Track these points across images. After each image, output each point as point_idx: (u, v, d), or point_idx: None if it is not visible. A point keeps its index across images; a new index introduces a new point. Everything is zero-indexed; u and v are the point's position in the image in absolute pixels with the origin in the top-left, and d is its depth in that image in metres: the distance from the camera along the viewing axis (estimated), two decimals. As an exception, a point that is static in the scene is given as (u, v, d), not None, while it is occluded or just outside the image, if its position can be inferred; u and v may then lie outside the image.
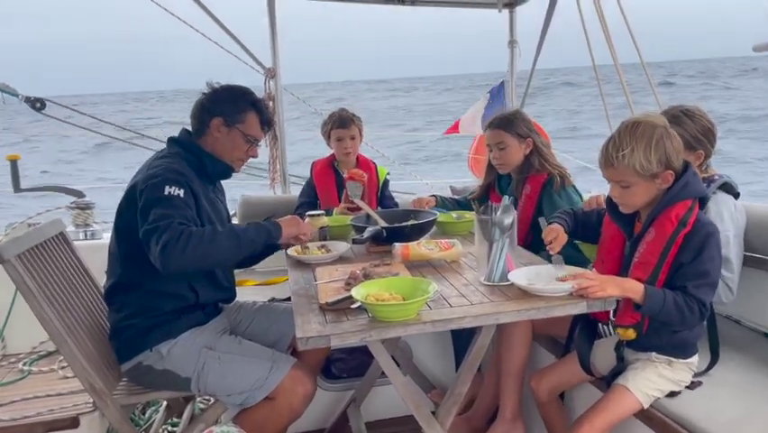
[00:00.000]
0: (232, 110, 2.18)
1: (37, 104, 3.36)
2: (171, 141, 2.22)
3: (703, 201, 1.84)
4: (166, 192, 1.93)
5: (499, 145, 2.65)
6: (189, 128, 2.24)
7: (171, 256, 1.83)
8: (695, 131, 2.08)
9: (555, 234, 1.89)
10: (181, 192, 1.96)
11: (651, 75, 3.69)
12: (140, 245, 1.96)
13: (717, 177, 2.12)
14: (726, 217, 2.05)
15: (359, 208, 2.72)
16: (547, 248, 1.89)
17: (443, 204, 2.87)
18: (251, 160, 2.32)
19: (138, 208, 1.95)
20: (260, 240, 2.04)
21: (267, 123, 2.27)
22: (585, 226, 2.09)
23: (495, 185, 2.84)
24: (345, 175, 2.91)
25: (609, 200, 1.92)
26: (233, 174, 2.31)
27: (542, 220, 1.97)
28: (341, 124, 3.10)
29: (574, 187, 2.61)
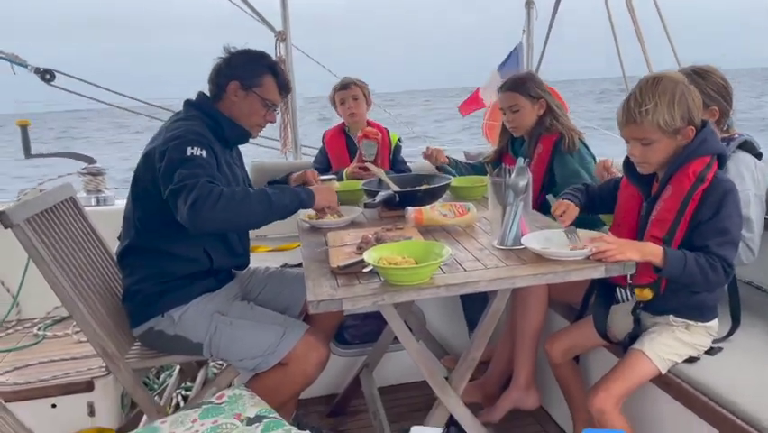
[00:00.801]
0: (248, 74, 2.13)
1: (46, 75, 3.32)
2: (188, 104, 2.17)
3: (722, 160, 1.79)
4: (188, 153, 1.90)
5: (512, 108, 2.60)
6: (206, 93, 2.19)
7: (200, 214, 1.80)
8: (707, 88, 2.03)
9: (565, 208, 1.85)
10: (203, 152, 1.92)
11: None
12: (156, 210, 1.96)
13: (737, 136, 2.06)
14: (747, 177, 1.99)
15: (371, 171, 2.68)
16: (558, 221, 1.85)
17: (456, 167, 2.82)
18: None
19: (159, 171, 1.91)
20: (292, 207, 2.01)
21: (284, 86, 2.22)
22: (602, 198, 2.03)
23: (508, 148, 2.79)
24: (359, 134, 2.88)
25: (627, 161, 1.87)
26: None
27: (550, 197, 1.93)
28: (342, 86, 3.13)
29: (587, 147, 2.56)
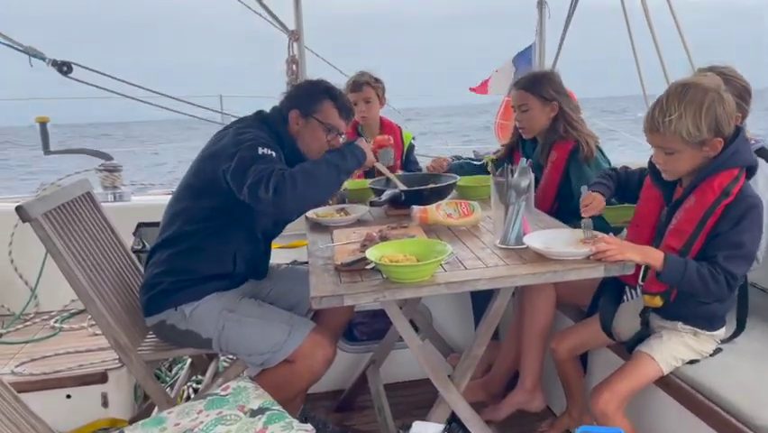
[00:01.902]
0: (306, 101, 2.21)
1: (64, 67, 3.33)
2: (259, 115, 2.25)
3: (751, 171, 1.74)
4: (260, 152, 1.98)
5: (522, 107, 2.54)
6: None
7: (285, 196, 1.87)
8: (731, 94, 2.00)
9: (591, 200, 1.86)
10: (273, 153, 2.01)
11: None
12: (211, 207, 2.07)
13: (753, 141, 2.04)
14: (762, 184, 1.96)
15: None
16: (581, 210, 1.85)
17: (461, 167, 2.80)
18: None
19: (228, 170, 1.98)
20: (353, 168, 2.12)
21: (344, 109, 2.25)
22: (627, 186, 2.03)
23: (519, 147, 2.73)
24: (372, 146, 2.87)
25: (651, 163, 1.84)
26: None
27: (583, 188, 1.93)
28: (354, 87, 3.03)
29: (603, 155, 2.50)
